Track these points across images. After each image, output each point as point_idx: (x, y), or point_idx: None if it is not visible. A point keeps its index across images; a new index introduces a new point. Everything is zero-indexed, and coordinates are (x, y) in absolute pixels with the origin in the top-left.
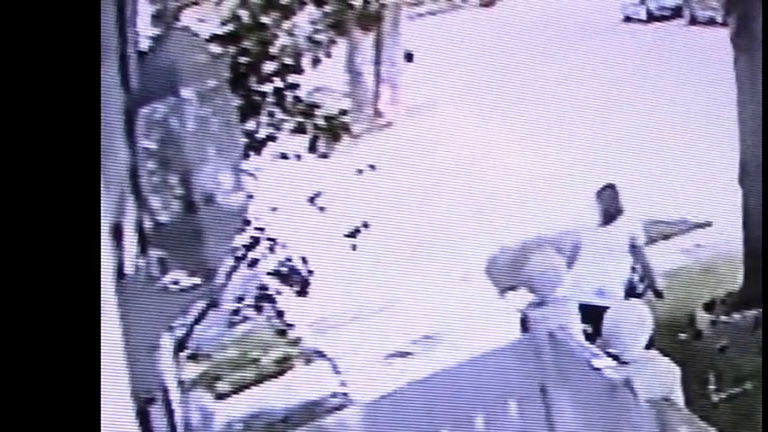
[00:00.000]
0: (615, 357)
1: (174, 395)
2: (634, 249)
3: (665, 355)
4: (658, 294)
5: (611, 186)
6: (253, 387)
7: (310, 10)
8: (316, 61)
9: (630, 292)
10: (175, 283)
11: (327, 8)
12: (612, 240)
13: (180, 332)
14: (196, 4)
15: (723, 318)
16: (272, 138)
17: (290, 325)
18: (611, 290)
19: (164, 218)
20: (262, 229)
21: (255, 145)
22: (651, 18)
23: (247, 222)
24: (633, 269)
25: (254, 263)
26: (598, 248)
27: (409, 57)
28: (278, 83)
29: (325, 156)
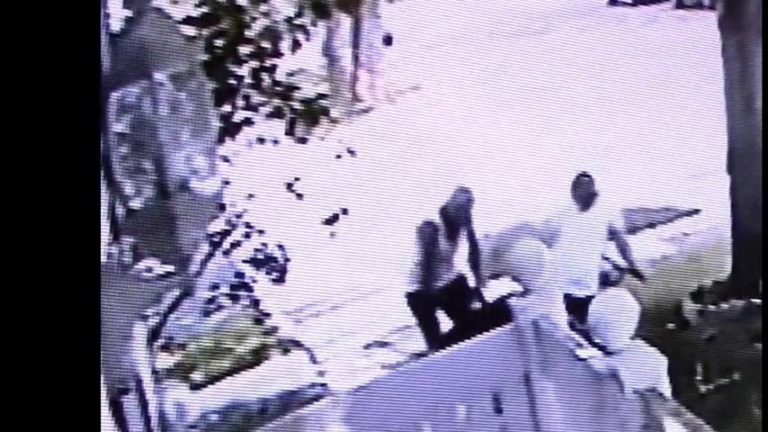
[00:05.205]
0: (601, 347)
1: (148, 385)
2: (613, 234)
3: (652, 345)
4: (639, 276)
5: (585, 175)
6: (228, 377)
7: None
8: (295, 44)
9: (603, 280)
10: (148, 270)
11: None
12: (591, 227)
13: (153, 321)
14: None
15: (711, 307)
16: (248, 122)
17: (267, 314)
18: (587, 280)
19: (136, 204)
20: (238, 216)
21: (231, 129)
22: (638, 1)
23: (223, 208)
24: (606, 258)
25: (229, 250)
26: (577, 235)
27: (388, 40)
28: (254, 65)
29: (303, 140)
